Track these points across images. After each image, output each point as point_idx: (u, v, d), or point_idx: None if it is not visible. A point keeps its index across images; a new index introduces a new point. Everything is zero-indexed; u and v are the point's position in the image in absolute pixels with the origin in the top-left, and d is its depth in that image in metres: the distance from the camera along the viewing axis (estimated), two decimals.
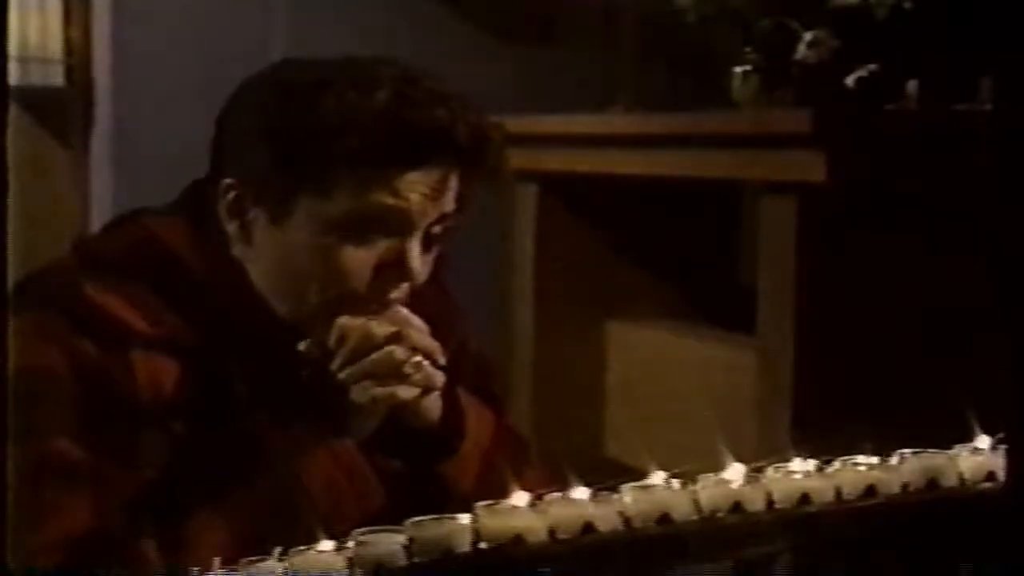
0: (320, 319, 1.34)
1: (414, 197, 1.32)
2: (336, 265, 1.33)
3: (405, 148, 1.31)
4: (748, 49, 2.91)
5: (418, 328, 1.34)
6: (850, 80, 2.71)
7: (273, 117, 1.33)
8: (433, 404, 1.38)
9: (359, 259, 1.33)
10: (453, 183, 1.35)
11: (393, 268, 1.34)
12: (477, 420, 1.44)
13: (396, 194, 1.32)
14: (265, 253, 1.36)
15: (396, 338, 1.32)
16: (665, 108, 3.13)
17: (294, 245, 1.34)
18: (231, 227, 1.37)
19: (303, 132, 1.31)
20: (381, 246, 1.34)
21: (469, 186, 1.37)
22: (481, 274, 3.38)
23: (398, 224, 1.33)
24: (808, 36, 2.78)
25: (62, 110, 3.90)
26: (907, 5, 2.73)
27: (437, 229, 1.36)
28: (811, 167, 2.49)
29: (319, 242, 1.33)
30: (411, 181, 1.32)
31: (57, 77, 3.90)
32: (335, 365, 1.32)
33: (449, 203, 1.35)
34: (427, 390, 1.35)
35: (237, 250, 1.38)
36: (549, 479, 1.18)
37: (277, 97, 1.33)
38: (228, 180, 1.36)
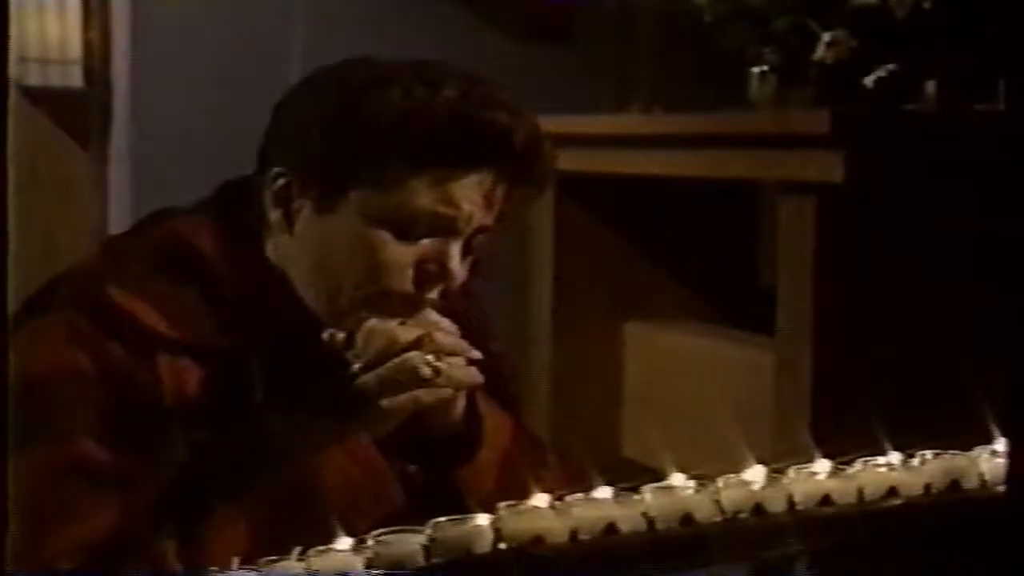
0: (354, 317, 1.34)
1: (464, 204, 1.33)
2: (377, 259, 1.34)
3: (464, 147, 1.32)
4: (766, 49, 2.90)
5: (446, 330, 1.34)
6: (869, 80, 2.70)
7: (338, 108, 1.33)
8: (460, 406, 1.38)
9: (400, 254, 1.34)
10: (500, 194, 1.36)
11: (432, 268, 1.35)
12: (495, 426, 1.44)
13: (448, 198, 1.33)
14: (305, 245, 1.36)
15: (420, 342, 1.32)
16: (683, 108, 3.12)
17: (337, 236, 1.34)
18: (274, 215, 1.37)
19: (367, 124, 1.32)
20: (423, 244, 1.35)
21: (515, 200, 1.38)
22: (499, 275, 3.38)
23: (443, 225, 1.34)
24: (826, 36, 2.77)
25: (81, 111, 3.91)
26: (926, 5, 2.72)
27: (477, 239, 1.37)
28: (829, 167, 2.48)
29: (363, 234, 1.33)
30: (463, 186, 1.33)
31: (76, 78, 3.91)
32: (357, 368, 1.33)
33: (492, 216, 1.36)
34: (460, 388, 1.35)
35: (272, 245, 1.38)
36: (567, 482, 1.18)
37: (343, 89, 1.34)
38: (278, 168, 1.36)
